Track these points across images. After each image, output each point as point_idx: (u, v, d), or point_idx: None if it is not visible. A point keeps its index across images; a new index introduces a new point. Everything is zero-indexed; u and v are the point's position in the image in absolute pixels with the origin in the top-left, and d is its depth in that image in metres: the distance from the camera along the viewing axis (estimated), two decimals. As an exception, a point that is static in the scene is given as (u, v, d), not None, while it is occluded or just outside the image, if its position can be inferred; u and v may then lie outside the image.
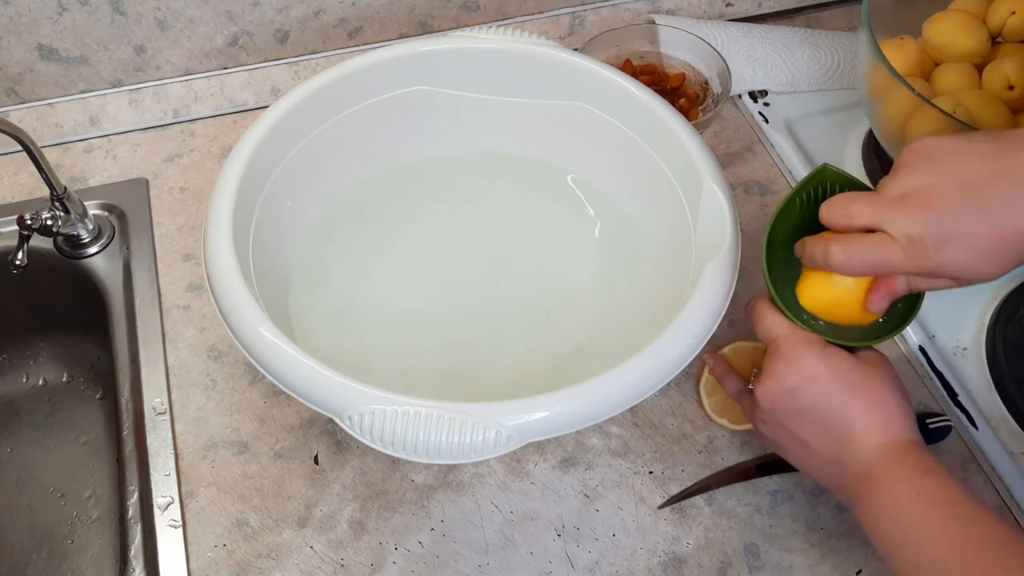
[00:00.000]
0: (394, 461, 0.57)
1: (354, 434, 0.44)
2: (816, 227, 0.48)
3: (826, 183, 0.50)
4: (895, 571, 0.43)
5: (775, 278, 0.49)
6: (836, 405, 0.46)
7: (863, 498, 0.45)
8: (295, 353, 0.46)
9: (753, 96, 0.78)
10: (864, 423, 0.46)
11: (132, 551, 0.53)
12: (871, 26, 0.61)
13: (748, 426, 0.57)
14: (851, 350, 0.49)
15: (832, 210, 0.46)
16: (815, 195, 0.50)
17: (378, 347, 0.59)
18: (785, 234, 0.50)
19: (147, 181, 0.71)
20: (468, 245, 0.66)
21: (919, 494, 0.43)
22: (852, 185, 0.50)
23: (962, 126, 0.57)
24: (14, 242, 0.62)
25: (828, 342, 0.48)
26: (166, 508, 0.55)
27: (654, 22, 0.78)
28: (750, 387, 0.52)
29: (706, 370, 0.60)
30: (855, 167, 0.74)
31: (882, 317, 0.49)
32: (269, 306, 0.50)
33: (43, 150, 0.60)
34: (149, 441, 0.57)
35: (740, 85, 0.78)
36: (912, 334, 0.63)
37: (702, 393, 0.60)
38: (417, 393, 0.44)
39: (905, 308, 0.49)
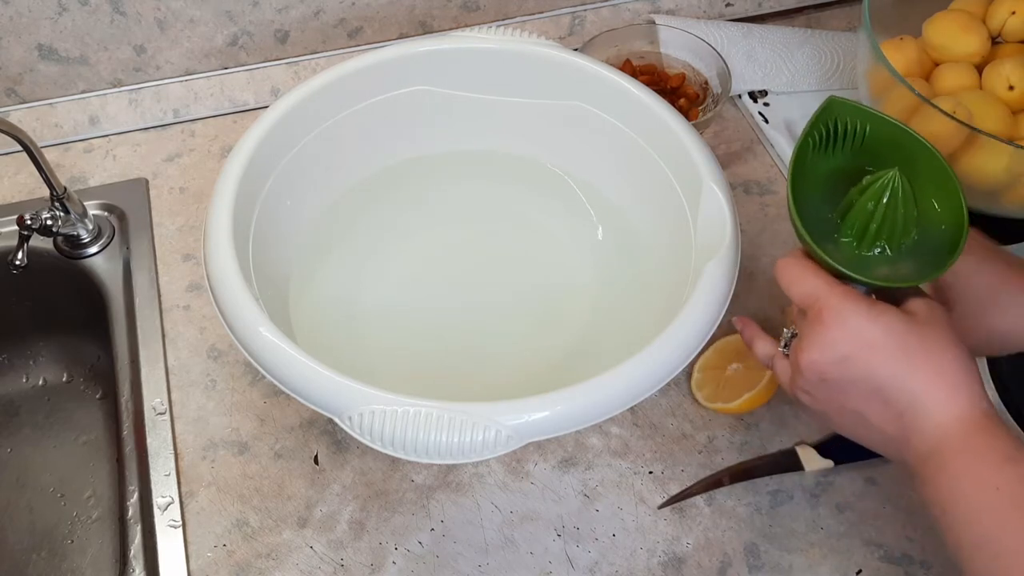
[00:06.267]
0: (394, 461, 0.57)
1: (354, 434, 0.44)
2: (837, 165, 0.47)
3: (835, 119, 0.47)
4: (965, 569, 0.39)
5: (809, 229, 0.45)
6: (895, 377, 0.42)
7: (929, 481, 0.41)
8: (295, 353, 0.46)
9: (753, 96, 0.78)
10: (930, 396, 0.41)
11: (132, 551, 0.53)
12: (871, 26, 0.61)
13: (736, 404, 0.57)
14: (893, 294, 0.45)
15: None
16: (827, 133, 0.47)
17: (378, 347, 0.59)
18: (807, 181, 0.47)
19: (147, 181, 0.71)
20: (468, 245, 0.66)
21: (998, 489, 0.38)
22: (863, 116, 0.47)
23: (962, 126, 0.57)
24: (14, 242, 0.62)
25: (873, 295, 0.44)
26: (166, 508, 0.55)
27: (654, 22, 0.78)
28: (783, 349, 0.48)
29: (696, 366, 0.60)
30: (855, 167, 0.74)
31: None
32: (269, 306, 0.50)
33: (43, 150, 0.60)
34: (149, 441, 0.57)
35: (740, 85, 0.78)
36: (912, 334, 0.63)
37: (693, 388, 0.60)
38: (417, 393, 0.44)
39: (950, 239, 0.45)
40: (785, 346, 0.48)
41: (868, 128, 0.47)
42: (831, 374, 0.43)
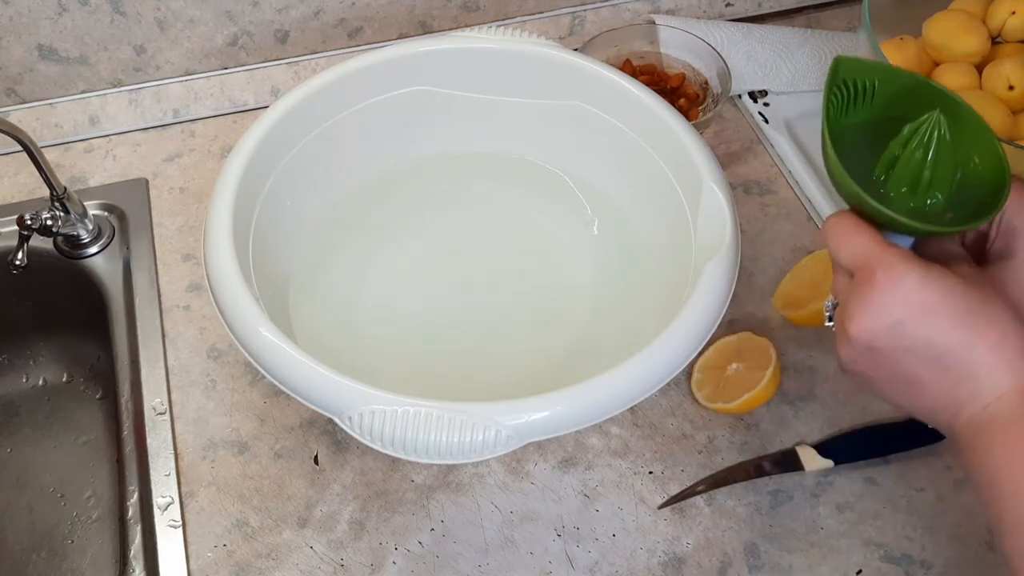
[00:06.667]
0: (394, 461, 0.57)
1: (354, 434, 0.44)
2: (863, 120, 0.46)
3: (843, 79, 0.46)
4: (1003, 545, 0.38)
5: (858, 181, 0.43)
6: (958, 343, 0.39)
7: (978, 451, 0.39)
8: (295, 353, 0.46)
9: (753, 96, 0.78)
10: (992, 363, 0.39)
11: (132, 551, 0.53)
12: (871, 26, 0.61)
13: (736, 404, 0.57)
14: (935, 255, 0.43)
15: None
16: (844, 93, 0.46)
17: (378, 347, 0.59)
18: (838, 143, 0.44)
19: (147, 181, 0.71)
20: (468, 245, 0.66)
21: None
22: (872, 71, 0.46)
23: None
24: (14, 242, 0.62)
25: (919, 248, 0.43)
26: (166, 508, 0.55)
27: (654, 22, 0.78)
28: (828, 324, 0.45)
29: (696, 366, 0.60)
30: (855, 167, 0.74)
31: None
32: (269, 306, 0.50)
33: (43, 150, 0.60)
34: (149, 441, 0.57)
35: (740, 85, 0.78)
36: (912, 334, 0.63)
37: (693, 388, 0.60)
38: (417, 393, 0.44)
39: (990, 183, 0.43)
40: (830, 319, 0.45)
41: (877, 83, 0.46)
42: (881, 341, 0.40)
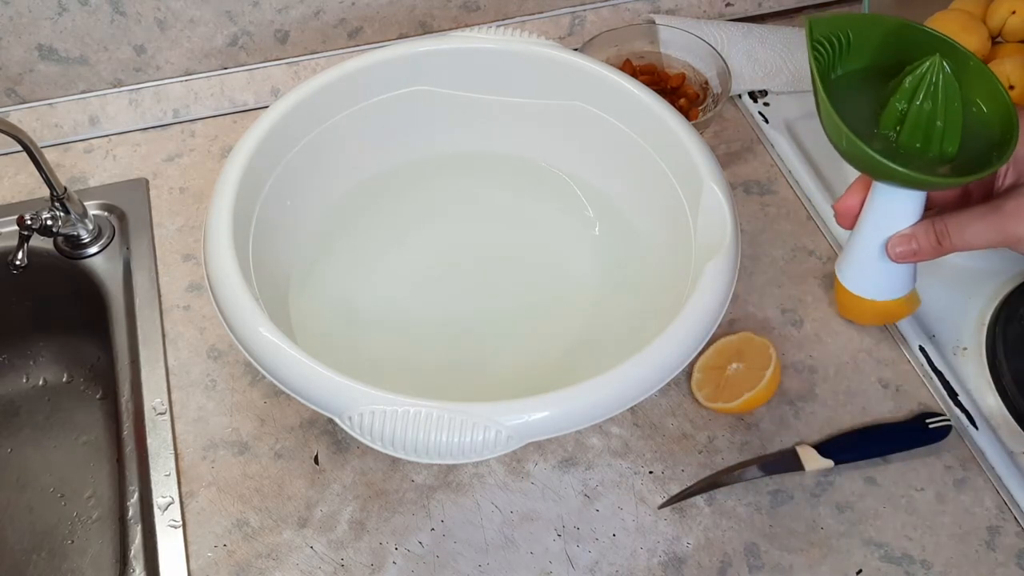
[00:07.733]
0: (394, 461, 0.57)
1: (354, 434, 0.44)
2: (857, 67, 0.45)
3: (821, 41, 0.45)
4: None
5: (857, 133, 0.42)
6: None
7: None
8: (295, 353, 0.46)
9: (753, 96, 0.78)
10: None
11: (132, 551, 0.53)
12: (871, 26, 0.61)
13: (736, 404, 0.57)
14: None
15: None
16: (827, 50, 0.45)
17: (378, 347, 0.59)
18: (839, 91, 0.44)
19: (147, 181, 0.71)
20: (468, 245, 0.66)
21: None
22: (844, 24, 0.45)
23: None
24: (14, 242, 0.62)
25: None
26: (166, 508, 0.55)
27: (654, 22, 0.78)
28: None
29: (696, 366, 0.60)
30: (855, 167, 0.74)
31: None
32: (269, 306, 0.50)
33: (43, 150, 0.60)
34: (149, 441, 0.57)
35: (740, 85, 0.78)
36: (912, 334, 0.63)
37: (693, 388, 0.60)
38: (417, 393, 0.44)
39: (998, 124, 0.43)
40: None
41: (851, 34, 0.45)
42: None
